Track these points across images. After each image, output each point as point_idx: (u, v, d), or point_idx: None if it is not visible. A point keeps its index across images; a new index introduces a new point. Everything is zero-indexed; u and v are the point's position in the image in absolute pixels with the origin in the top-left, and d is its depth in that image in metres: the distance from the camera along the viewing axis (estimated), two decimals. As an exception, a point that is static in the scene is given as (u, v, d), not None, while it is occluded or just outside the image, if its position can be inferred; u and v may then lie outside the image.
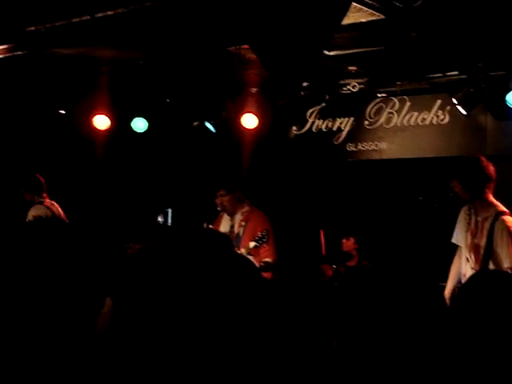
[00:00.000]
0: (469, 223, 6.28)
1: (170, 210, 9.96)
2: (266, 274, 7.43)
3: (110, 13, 6.57)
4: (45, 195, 8.67)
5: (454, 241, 6.44)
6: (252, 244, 7.33)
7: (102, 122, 9.69)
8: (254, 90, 9.43)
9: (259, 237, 7.31)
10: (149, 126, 9.87)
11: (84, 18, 6.75)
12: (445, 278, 7.22)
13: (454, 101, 8.31)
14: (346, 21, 5.77)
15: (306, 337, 2.81)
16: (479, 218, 6.21)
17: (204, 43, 6.98)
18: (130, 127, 9.87)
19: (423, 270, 7.97)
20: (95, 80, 8.96)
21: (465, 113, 8.33)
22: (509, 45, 7.43)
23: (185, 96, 9.68)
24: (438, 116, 9.00)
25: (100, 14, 6.62)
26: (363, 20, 6.98)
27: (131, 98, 9.72)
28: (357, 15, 6.82)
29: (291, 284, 2.94)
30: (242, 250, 7.36)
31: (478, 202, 6.22)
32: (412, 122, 9.19)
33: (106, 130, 9.77)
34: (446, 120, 8.93)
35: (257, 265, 7.30)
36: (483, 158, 6.38)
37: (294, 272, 8.39)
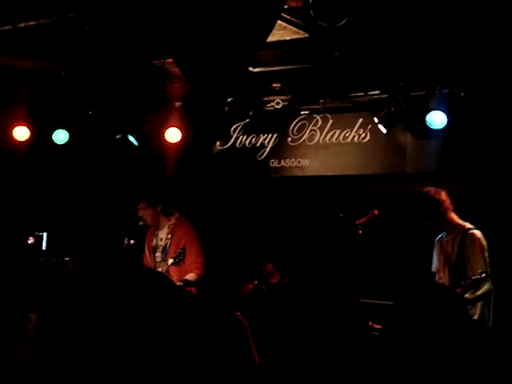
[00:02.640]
0: (441, 246, 6.91)
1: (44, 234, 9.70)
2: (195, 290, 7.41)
3: (32, 23, 6.46)
4: None
5: (433, 269, 7.03)
6: (170, 261, 7.30)
7: (21, 133, 9.51)
8: (177, 104, 9.40)
9: (176, 255, 7.27)
10: (70, 138, 9.72)
11: (5, 27, 6.62)
12: (365, 294, 7.31)
13: (375, 119, 8.43)
14: (270, 38, 5.80)
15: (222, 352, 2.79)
16: (449, 238, 6.84)
17: (128, 56, 6.93)
18: (51, 139, 9.71)
19: (343, 287, 8.02)
20: (15, 90, 8.79)
21: (385, 131, 8.45)
22: (429, 65, 7.59)
23: (108, 108, 9.61)
24: (359, 134, 9.12)
25: (22, 24, 6.50)
26: (287, 38, 7.05)
27: (52, 109, 9.57)
28: (281, 33, 6.87)
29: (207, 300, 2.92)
30: (164, 267, 7.32)
31: (445, 225, 6.86)
32: (334, 139, 9.28)
33: (25, 141, 9.59)
34: (368, 138, 9.05)
35: (176, 282, 7.29)
36: (428, 189, 6.91)
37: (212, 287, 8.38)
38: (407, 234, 8.38)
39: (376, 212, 7.24)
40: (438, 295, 2.85)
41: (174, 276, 7.35)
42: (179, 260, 7.24)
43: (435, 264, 6.98)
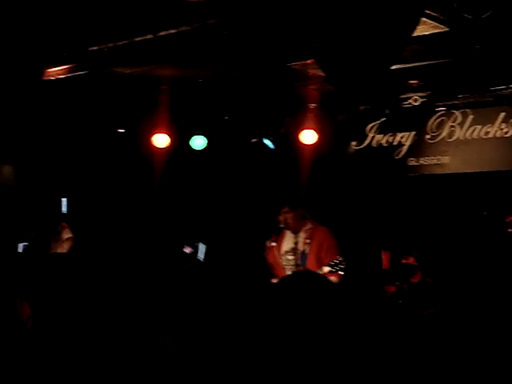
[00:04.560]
0: None
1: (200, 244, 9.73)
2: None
3: (172, 31, 6.57)
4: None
5: None
6: (326, 269, 7.23)
7: (161, 140, 9.71)
8: (312, 105, 9.38)
9: (335, 263, 7.21)
10: (208, 144, 9.87)
11: (147, 36, 6.76)
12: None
13: (519, 113, 8.16)
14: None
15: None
16: None
17: (267, 60, 6.96)
18: (189, 145, 9.89)
19: (486, 286, 7.80)
20: (155, 99, 8.98)
21: (530, 125, 8.17)
22: None
23: (243, 113, 9.70)
24: (501, 129, 8.84)
25: (163, 33, 6.62)
26: (426, 33, 6.90)
27: (190, 116, 9.74)
28: (420, 28, 6.72)
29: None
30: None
31: None
32: (475, 135, 9.04)
33: (165, 149, 9.79)
34: (511, 133, 8.77)
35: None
36: None
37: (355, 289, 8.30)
38: None
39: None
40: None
41: None
42: (338, 268, 7.18)
43: None
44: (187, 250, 8.35)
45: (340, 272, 7.21)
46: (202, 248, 8.06)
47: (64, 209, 9.98)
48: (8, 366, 2.72)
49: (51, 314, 2.87)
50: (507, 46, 7.18)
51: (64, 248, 8.02)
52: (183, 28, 6.51)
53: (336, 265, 7.19)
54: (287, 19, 5.93)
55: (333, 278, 7.38)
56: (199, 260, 8.18)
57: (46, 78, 8.20)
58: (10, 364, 2.72)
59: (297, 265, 7.58)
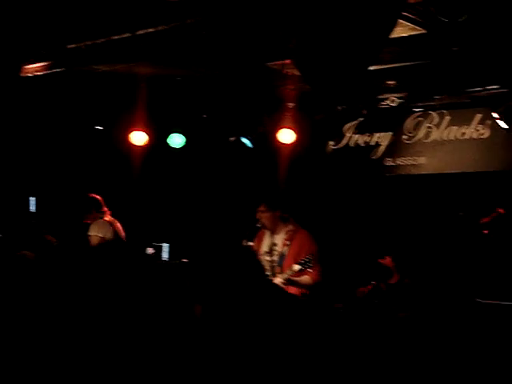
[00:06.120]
0: None
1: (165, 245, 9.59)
2: (296, 290, 7.37)
3: (150, 30, 6.57)
4: (105, 209, 8.65)
5: None
6: (296, 267, 7.26)
7: (139, 138, 9.69)
8: (290, 105, 9.39)
9: (305, 261, 7.24)
10: (186, 142, 9.87)
11: (125, 35, 6.76)
12: (484, 295, 7.12)
13: (495, 115, 8.22)
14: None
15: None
16: None
17: (244, 59, 6.97)
18: (167, 143, 9.88)
19: (462, 286, 7.86)
20: (133, 96, 8.96)
21: (506, 127, 8.23)
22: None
23: (221, 112, 9.71)
24: (478, 130, 8.91)
25: (141, 32, 6.62)
26: (404, 34, 6.94)
27: (169, 114, 9.73)
28: (398, 30, 6.76)
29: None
30: (287, 272, 7.29)
31: None
32: (451, 136, 9.11)
33: (143, 146, 9.77)
34: (487, 134, 8.84)
35: (296, 291, 7.30)
36: None
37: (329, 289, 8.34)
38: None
39: (501, 211, 7.05)
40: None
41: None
42: (307, 266, 7.22)
43: None
44: (149, 251, 8.34)
45: (309, 270, 7.25)
46: (165, 248, 8.04)
47: (32, 208, 9.94)
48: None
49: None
50: (484, 48, 7.24)
51: None
52: (161, 27, 6.51)
53: (306, 263, 7.22)
54: (265, 19, 5.94)
55: (306, 277, 7.43)
56: (164, 260, 8.16)
57: (23, 75, 8.17)
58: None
59: (273, 266, 7.59)
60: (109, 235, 8.38)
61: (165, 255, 8.52)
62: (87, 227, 8.42)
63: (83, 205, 8.61)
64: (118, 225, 8.69)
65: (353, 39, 4.67)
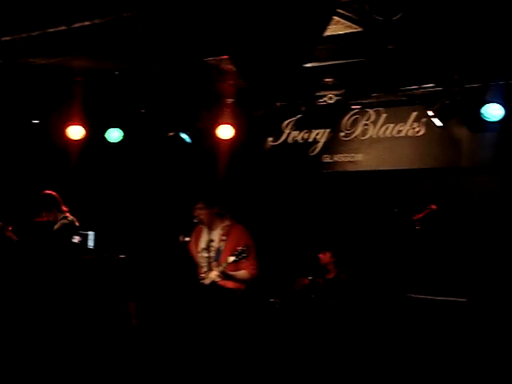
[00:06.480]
0: None
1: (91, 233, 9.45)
2: (234, 285, 7.40)
3: (87, 23, 6.51)
4: (64, 208, 8.48)
5: None
6: (231, 258, 7.28)
7: (76, 132, 9.59)
8: (229, 100, 9.39)
9: (239, 251, 7.26)
10: (124, 137, 9.79)
11: (60, 28, 6.68)
12: (417, 290, 7.23)
13: (430, 113, 8.34)
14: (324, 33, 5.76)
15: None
16: None
17: (181, 54, 6.94)
18: (105, 138, 9.79)
19: (395, 281, 7.97)
20: (70, 90, 8.86)
21: (440, 125, 8.36)
22: (484, 58, 7.47)
23: (160, 106, 9.66)
24: (413, 128, 9.04)
25: (77, 25, 6.55)
26: (341, 32, 7.00)
27: (106, 108, 9.64)
28: (334, 27, 6.82)
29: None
30: (222, 264, 7.31)
31: None
32: (388, 133, 9.22)
33: (80, 140, 9.67)
34: (422, 132, 8.97)
35: (234, 285, 7.32)
36: None
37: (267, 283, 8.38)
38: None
39: (434, 207, 7.16)
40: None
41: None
42: (242, 257, 7.24)
43: None
44: (75, 239, 8.24)
45: (244, 260, 7.28)
46: (91, 236, 7.98)
47: None
48: None
49: None
50: (419, 47, 7.34)
51: None
52: (97, 20, 6.45)
53: (240, 253, 7.25)
54: (202, 14, 5.94)
55: (243, 272, 7.44)
56: (90, 248, 8.09)
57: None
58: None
59: (211, 262, 7.58)
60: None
61: (90, 243, 8.47)
62: (47, 225, 8.23)
63: (41, 202, 8.42)
64: (77, 223, 8.56)
65: (287, 36, 4.69)
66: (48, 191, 8.44)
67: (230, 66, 7.83)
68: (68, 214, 8.43)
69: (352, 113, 9.46)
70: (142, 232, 10.21)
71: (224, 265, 7.29)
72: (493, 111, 7.95)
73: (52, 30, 6.78)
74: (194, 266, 7.64)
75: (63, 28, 6.72)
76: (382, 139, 9.26)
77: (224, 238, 7.57)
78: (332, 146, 9.62)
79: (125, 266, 8.84)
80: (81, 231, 7.92)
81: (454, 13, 6.36)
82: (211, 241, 7.62)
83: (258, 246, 7.89)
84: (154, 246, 9.47)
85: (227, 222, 7.64)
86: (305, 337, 7.05)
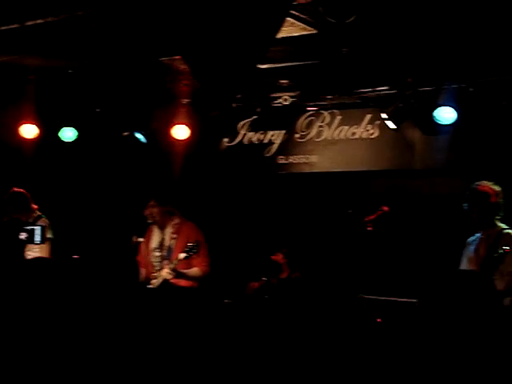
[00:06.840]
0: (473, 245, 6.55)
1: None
2: (186, 283, 7.41)
3: (39, 21, 6.45)
4: (35, 206, 8.37)
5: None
6: (182, 255, 7.30)
7: (29, 130, 9.48)
8: (184, 101, 9.38)
9: (189, 247, 7.28)
10: (78, 136, 9.71)
11: (13, 26, 6.61)
12: (369, 290, 7.27)
13: (384, 115, 8.40)
14: (278, 34, 5.78)
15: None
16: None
17: (135, 54, 6.92)
18: (59, 137, 9.70)
19: (347, 281, 8.02)
20: (23, 88, 8.77)
21: (394, 127, 8.43)
22: (437, 61, 7.56)
23: (115, 106, 9.60)
24: (367, 130, 9.10)
25: (30, 23, 6.49)
26: (295, 34, 7.03)
27: (60, 107, 9.55)
28: (289, 29, 6.85)
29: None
30: (174, 261, 7.32)
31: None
32: (342, 135, 9.27)
33: (33, 139, 9.56)
34: (376, 134, 9.04)
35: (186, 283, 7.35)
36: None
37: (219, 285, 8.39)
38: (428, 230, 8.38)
39: (386, 209, 7.22)
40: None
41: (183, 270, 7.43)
42: (192, 253, 7.26)
43: (464, 265, 6.59)
44: (22, 236, 8.14)
45: (195, 256, 7.31)
46: (37, 231, 7.89)
47: None
48: None
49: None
50: (373, 50, 7.41)
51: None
52: (51, 18, 6.40)
53: (190, 249, 7.27)
54: (156, 14, 5.92)
55: (195, 269, 7.47)
56: (37, 243, 7.99)
57: None
58: None
59: (162, 260, 7.58)
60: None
61: (37, 238, 8.37)
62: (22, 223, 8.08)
63: (14, 200, 8.28)
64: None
65: (240, 37, 4.70)
66: (17, 189, 8.34)
67: (183, 66, 7.81)
68: (40, 213, 8.35)
69: (307, 114, 9.49)
70: (95, 232, 10.14)
71: (175, 262, 7.31)
72: (445, 114, 8.04)
73: (4, 27, 6.72)
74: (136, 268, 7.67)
75: (16, 26, 6.65)
76: (336, 141, 9.31)
77: (175, 236, 7.58)
78: (287, 147, 9.65)
79: (79, 267, 8.77)
80: (26, 227, 7.82)
81: (407, 16, 6.42)
82: (163, 239, 7.63)
83: (213, 246, 7.90)
84: (108, 247, 9.41)
85: (177, 220, 7.65)
86: (257, 336, 7.05)
